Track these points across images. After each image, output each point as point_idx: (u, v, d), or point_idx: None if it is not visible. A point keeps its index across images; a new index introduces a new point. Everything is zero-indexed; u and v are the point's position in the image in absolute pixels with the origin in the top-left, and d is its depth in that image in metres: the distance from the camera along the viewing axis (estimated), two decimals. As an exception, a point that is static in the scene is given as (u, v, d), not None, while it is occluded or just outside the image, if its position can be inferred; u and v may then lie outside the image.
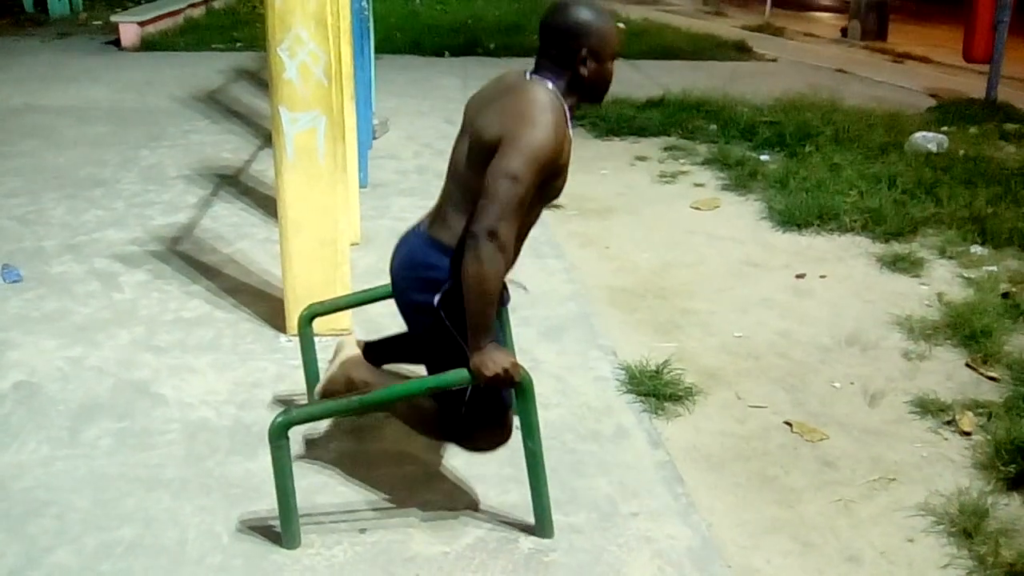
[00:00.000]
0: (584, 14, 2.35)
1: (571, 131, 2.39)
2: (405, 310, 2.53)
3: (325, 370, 2.75)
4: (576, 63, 2.36)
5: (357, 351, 2.73)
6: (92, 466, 2.81)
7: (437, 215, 2.48)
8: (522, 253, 2.50)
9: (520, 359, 2.42)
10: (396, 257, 2.56)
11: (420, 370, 2.64)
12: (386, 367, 2.80)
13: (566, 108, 2.36)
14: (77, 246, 4.64)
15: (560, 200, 2.49)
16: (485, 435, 2.55)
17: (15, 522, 2.54)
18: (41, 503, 2.63)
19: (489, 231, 2.18)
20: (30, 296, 4.03)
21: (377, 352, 2.79)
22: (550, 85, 2.35)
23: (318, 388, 2.72)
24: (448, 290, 2.38)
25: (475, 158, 2.33)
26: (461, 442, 2.61)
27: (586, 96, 2.44)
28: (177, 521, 2.56)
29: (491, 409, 2.49)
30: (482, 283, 2.21)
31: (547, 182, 2.33)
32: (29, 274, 4.26)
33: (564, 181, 2.42)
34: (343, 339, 2.80)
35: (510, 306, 2.84)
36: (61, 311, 3.89)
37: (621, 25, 13.97)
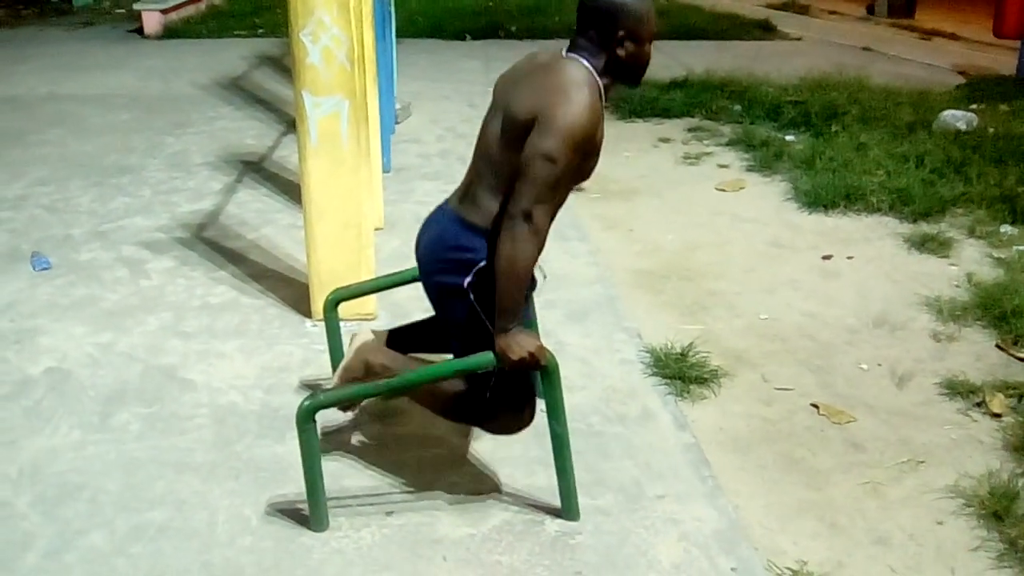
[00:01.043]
0: None
1: (604, 114, 2.36)
2: (432, 292, 2.52)
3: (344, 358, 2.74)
4: (613, 44, 2.33)
5: (372, 337, 2.72)
6: (123, 450, 2.85)
7: (466, 195, 2.45)
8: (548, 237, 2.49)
9: (545, 342, 2.41)
10: (423, 238, 2.53)
11: (437, 357, 2.65)
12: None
13: (601, 87, 2.34)
14: (104, 233, 4.69)
15: (583, 183, 2.47)
16: (509, 418, 2.54)
17: (49, 505, 2.58)
18: (74, 486, 2.67)
19: (525, 213, 2.18)
20: (59, 283, 4.08)
21: (397, 340, 2.78)
22: (586, 64, 2.32)
23: (335, 378, 2.69)
24: (479, 271, 2.37)
25: (508, 136, 2.31)
26: (484, 425, 2.60)
27: (623, 77, 2.41)
28: (207, 504, 2.59)
29: (517, 393, 2.49)
30: (515, 265, 2.21)
31: (581, 162, 2.31)
32: (58, 261, 4.31)
33: (596, 162, 2.40)
34: (359, 328, 2.80)
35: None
36: (90, 298, 3.94)
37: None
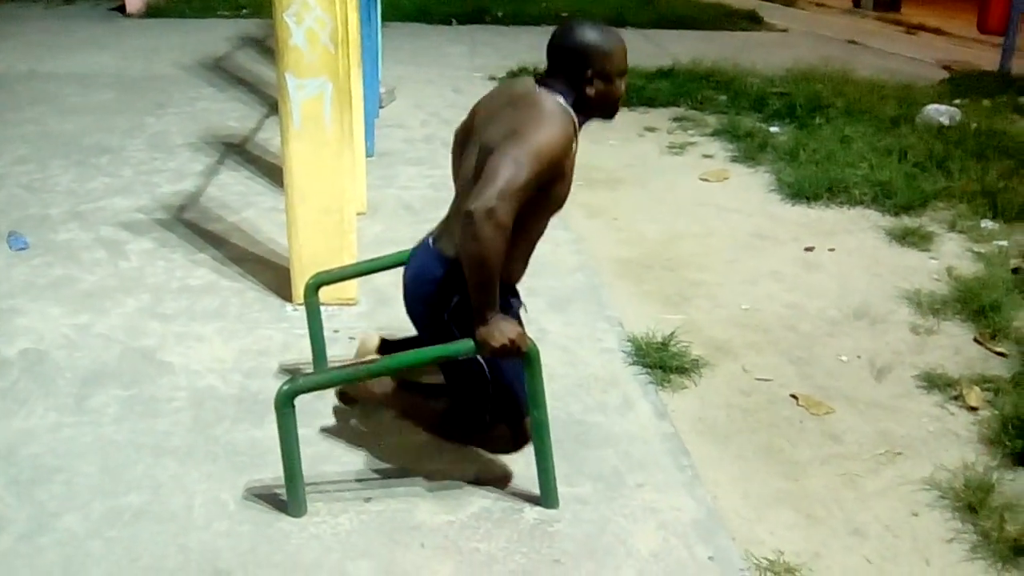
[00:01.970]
0: (589, 36, 2.38)
1: (577, 144, 2.40)
2: (417, 323, 2.57)
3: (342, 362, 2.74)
4: (583, 84, 2.39)
5: (375, 355, 2.71)
6: (99, 433, 2.82)
7: (445, 228, 2.51)
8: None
9: (527, 330, 2.41)
10: (407, 273, 2.60)
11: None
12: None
13: (575, 120, 2.38)
14: (83, 213, 4.64)
15: (556, 211, 2.50)
16: (497, 441, 2.58)
17: (24, 487, 2.56)
18: (49, 469, 2.64)
19: (487, 209, 2.15)
20: (37, 263, 4.03)
21: (394, 350, 2.77)
22: (560, 99, 2.37)
23: (337, 388, 2.73)
24: (458, 304, 2.39)
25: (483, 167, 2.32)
26: (480, 443, 2.64)
27: (595, 114, 2.48)
28: (184, 488, 2.57)
29: (514, 410, 2.52)
30: (482, 262, 2.19)
31: (549, 185, 2.33)
32: (35, 241, 4.26)
33: (567, 189, 2.43)
34: (363, 336, 2.78)
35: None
36: (67, 278, 3.89)
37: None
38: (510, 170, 2.19)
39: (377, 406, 2.76)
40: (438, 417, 2.68)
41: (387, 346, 2.78)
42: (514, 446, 2.64)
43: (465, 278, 2.26)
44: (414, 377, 2.81)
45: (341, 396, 2.84)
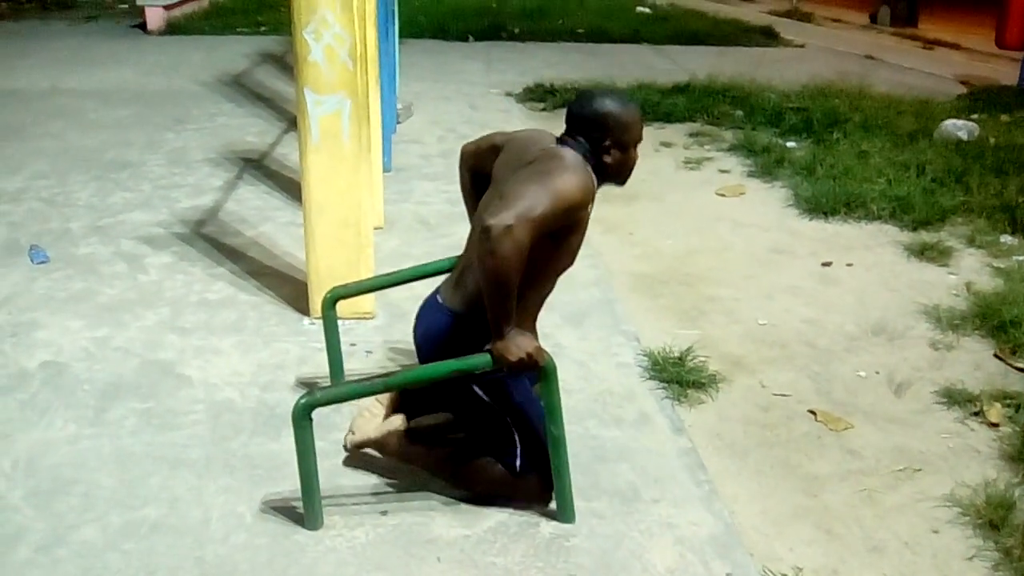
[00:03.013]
0: (608, 106, 2.46)
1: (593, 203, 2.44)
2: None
3: (363, 416, 2.71)
4: (600, 152, 2.46)
5: (400, 428, 2.69)
6: (118, 445, 2.84)
7: (457, 281, 2.55)
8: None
9: (543, 344, 2.41)
10: (418, 328, 2.63)
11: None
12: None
13: (594, 178, 2.43)
14: (103, 228, 4.68)
15: (568, 267, 2.53)
16: (538, 485, 2.54)
17: (43, 499, 2.57)
18: (68, 481, 2.65)
19: (506, 226, 2.15)
20: (57, 277, 4.07)
21: (419, 436, 2.74)
22: (580, 154, 2.43)
23: (350, 440, 2.69)
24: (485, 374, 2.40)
25: None
26: (511, 494, 2.58)
27: (609, 180, 2.53)
28: (201, 501, 2.58)
29: (544, 458, 2.49)
30: (499, 275, 2.20)
31: (565, 234, 2.37)
32: (56, 255, 4.30)
33: (580, 243, 2.47)
34: (393, 419, 2.72)
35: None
36: (87, 292, 3.93)
37: (647, 10, 13.87)
38: (531, 198, 2.21)
39: (390, 459, 2.73)
40: (473, 472, 2.61)
41: (412, 433, 2.72)
42: (541, 497, 2.56)
43: (473, 325, 2.32)
44: (424, 422, 2.79)
45: (356, 447, 2.76)
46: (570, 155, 2.41)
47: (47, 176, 5.49)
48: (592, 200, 2.41)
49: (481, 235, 2.19)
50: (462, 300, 2.50)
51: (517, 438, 2.52)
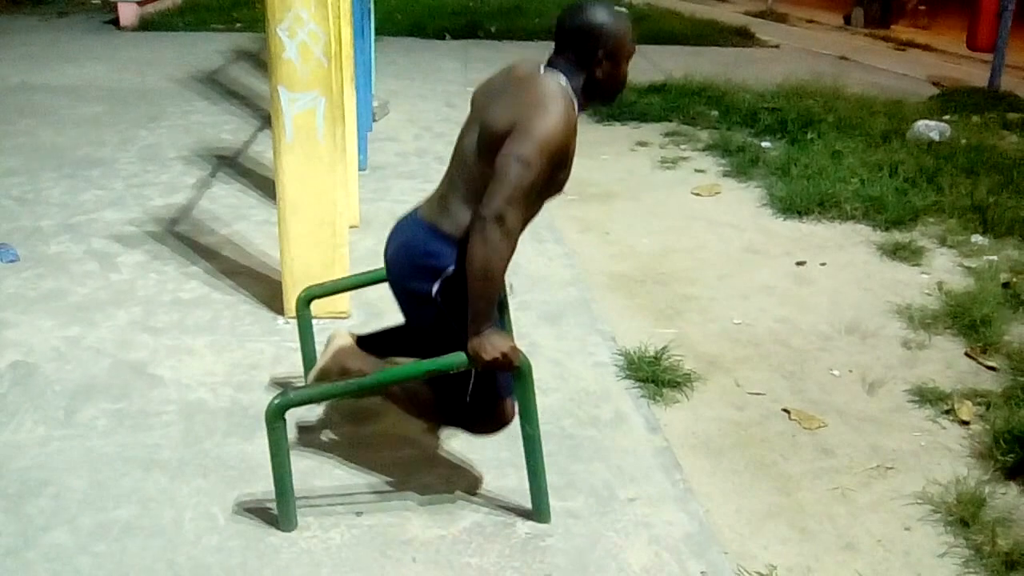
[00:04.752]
0: (601, 16, 2.37)
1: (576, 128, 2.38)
2: (401, 298, 2.53)
3: (318, 360, 2.72)
4: (592, 64, 2.38)
5: (350, 340, 2.68)
6: (89, 446, 2.80)
7: (438, 203, 2.46)
8: (522, 238, 2.48)
9: (519, 343, 2.41)
10: (391, 244, 2.54)
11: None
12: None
13: (576, 104, 2.37)
14: (75, 226, 4.62)
15: (556, 195, 2.48)
16: (485, 421, 2.54)
17: (11, 501, 2.54)
18: (37, 483, 2.62)
19: (498, 215, 2.17)
20: (27, 275, 4.01)
21: (371, 345, 2.75)
22: (563, 80, 2.36)
23: (310, 379, 2.67)
24: (447, 279, 2.37)
25: (484, 148, 2.32)
26: (462, 426, 2.60)
27: (599, 96, 2.46)
28: (174, 502, 2.56)
29: (488, 396, 2.48)
30: (488, 268, 2.20)
31: (553, 173, 2.33)
32: (26, 254, 4.24)
33: (568, 174, 2.43)
34: (335, 330, 2.77)
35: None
36: (58, 291, 3.88)
37: (623, 10, 13.90)
38: (517, 172, 2.19)
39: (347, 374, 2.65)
40: (425, 402, 2.61)
41: (363, 341, 2.71)
42: (493, 427, 2.55)
43: (463, 258, 2.24)
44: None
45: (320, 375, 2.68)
46: (549, 83, 2.32)
47: (17, 173, 5.42)
48: (575, 133, 2.34)
49: (475, 224, 2.19)
50: (452, 224, 2.39)
51: (472, 379, 2.47)
